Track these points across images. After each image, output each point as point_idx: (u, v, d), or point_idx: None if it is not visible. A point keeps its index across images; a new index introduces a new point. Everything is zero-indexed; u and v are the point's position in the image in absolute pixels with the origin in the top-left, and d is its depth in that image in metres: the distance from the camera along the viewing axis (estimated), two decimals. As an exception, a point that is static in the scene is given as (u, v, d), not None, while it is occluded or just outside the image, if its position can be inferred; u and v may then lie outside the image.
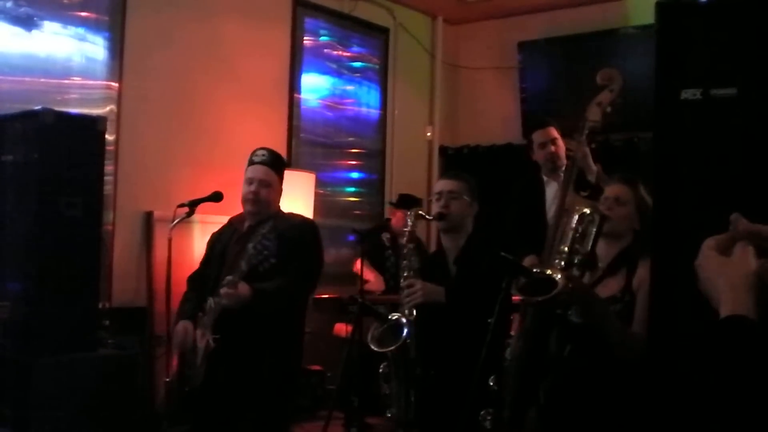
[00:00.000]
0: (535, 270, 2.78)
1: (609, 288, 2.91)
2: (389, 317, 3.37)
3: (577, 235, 2.83)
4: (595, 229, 2.83)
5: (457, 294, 3.32)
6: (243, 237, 3.67)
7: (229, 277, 3.41)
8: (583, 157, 3.68)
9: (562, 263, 2.80)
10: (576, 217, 2.85)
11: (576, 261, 2.81)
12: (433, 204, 3.56)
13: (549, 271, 2.72)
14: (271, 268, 3.43)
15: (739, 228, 1.29)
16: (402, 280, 3.43)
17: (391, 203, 6.36)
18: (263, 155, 3.76)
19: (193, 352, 3.60)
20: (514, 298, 3.04)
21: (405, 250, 3.46)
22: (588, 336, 2.81)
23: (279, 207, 3.83)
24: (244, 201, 3.73)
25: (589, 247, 2.83)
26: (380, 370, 3.35)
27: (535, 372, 2.83)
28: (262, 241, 3.39)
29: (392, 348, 3.24)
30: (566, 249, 2.83)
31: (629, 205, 2.98)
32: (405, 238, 3.49)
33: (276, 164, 3.79)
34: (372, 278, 5.63)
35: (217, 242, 3.84)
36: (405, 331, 3.24)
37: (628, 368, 2.66)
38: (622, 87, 3.30)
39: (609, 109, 3.23)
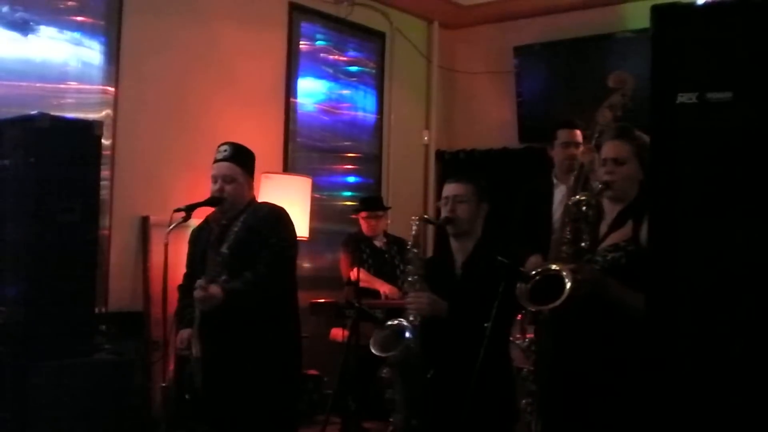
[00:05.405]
0: (537, 270, 2.75)
1: (613, 239, 2.85)
2: (391, 322, 3.36)
3: (572, 220, 2.81)
4: (592, 213, 2.81)
5: (460, 310, 3.28)
6: (218, 238, 3.67)
7: (199, 281, 3.46)
8: (590, 163, 3.67)
9: (568, 253, 2.76)
10: (572, 206, 2.83)
11: (582, 246, 2.77)
12: (442, 209, 3.51)
13: (554, 267, 2.69)
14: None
15: None
16: (405, 285, 3.42)
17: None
18: (225, 150, 3.76)
19: (191, 360, 3.60)
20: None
21: (409, 255, 3.43)
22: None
23: (252, 198, 3.82)
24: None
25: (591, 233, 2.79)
26: (382, 374, 3.35)
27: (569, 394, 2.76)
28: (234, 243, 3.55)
29: (395, 353, 3.23)
30: (569, 237, 2.80)
31: (630, 161, 2.90)
32: (410, 243, 3.45)
33: (239, 157, 3.76)
34: (386, 289, 5.53)
35: (197, 241, 3.85)
36: (407, 335, 3.24)
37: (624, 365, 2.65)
38: (634, 91, 3.23)
39: (620, 113, 3.19)
